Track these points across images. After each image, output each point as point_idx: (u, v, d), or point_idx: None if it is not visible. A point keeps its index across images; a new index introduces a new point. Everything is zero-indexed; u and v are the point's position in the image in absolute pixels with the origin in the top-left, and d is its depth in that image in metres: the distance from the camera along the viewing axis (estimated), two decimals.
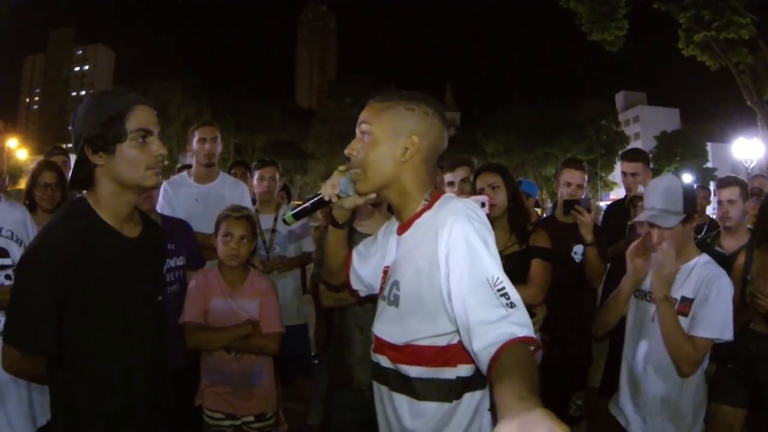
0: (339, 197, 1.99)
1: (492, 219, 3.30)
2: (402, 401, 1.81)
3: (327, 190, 2.00)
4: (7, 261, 2.86)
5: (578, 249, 3.97)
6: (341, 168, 2.00)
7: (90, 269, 1.91)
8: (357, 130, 1.89)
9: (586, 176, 4.34)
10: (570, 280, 3.91)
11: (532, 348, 1.50)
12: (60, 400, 1.98)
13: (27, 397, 2.85)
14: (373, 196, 1.96)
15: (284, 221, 2.14)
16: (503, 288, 1.57)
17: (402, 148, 1.81)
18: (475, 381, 1.75)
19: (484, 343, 1.51)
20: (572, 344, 3.90)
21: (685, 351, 2.68)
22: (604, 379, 3.80)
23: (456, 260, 1.64)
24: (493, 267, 1.60)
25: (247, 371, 3.22)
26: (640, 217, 2.92)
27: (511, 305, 1.55)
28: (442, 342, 1.72)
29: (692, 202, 2.86)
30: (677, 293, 2.82)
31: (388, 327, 1.87)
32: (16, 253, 2.87)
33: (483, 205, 3.05)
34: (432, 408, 1.75)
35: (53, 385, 2.00)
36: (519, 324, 1.52)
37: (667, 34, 23.55)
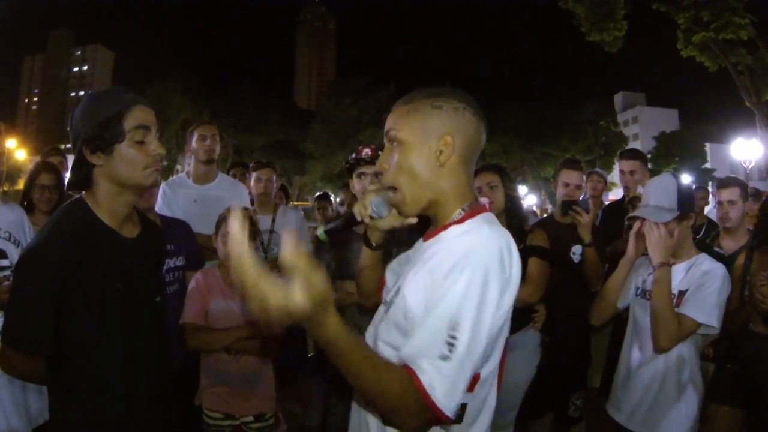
0: (372, 218, 1.86)
1: None
2: (372, 420, 1.65)
3: (359, 211, 1.87)
4: (4, 262, 2.86)
5: (577, 249, 3.98)
6: (372, 188, 1.87)
7: (88, 270, 1.91)
8: (385, 140, 1.71)
9: (584, 177, 4.35)
10: (569, 281, 3.92)
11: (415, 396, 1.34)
12: (59, 400, 1.98)
13: (23, 397, 2.85)
14: (414, 220, 1.77)
15: (317, 238, 2.04)
16: (455, 338, 1.38)
17: (436, 152, 1.62)
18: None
19: (408, 355, 1.41)
20: (571, 345, 3.91)
21: (668, 324, 2.70)
22: (604, 380, 3.80)
23: (442, 282, 1.46)
24: (466, 312, 1.40)
25: (246, 372, 3.23)
26: (635, 212, 2.94)
27: (445, 357, 1.36)
28: None
29: (688, 201, 2.87)
30: (675, 289, 2.83)
31: (371, 330, 1.77)
32: (14, 254, 2.87)
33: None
34: None
35: (52, 386, 2.00)
36: (431, 372, 1.36)
37: (666, 35, 23.57)
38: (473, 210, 1.65)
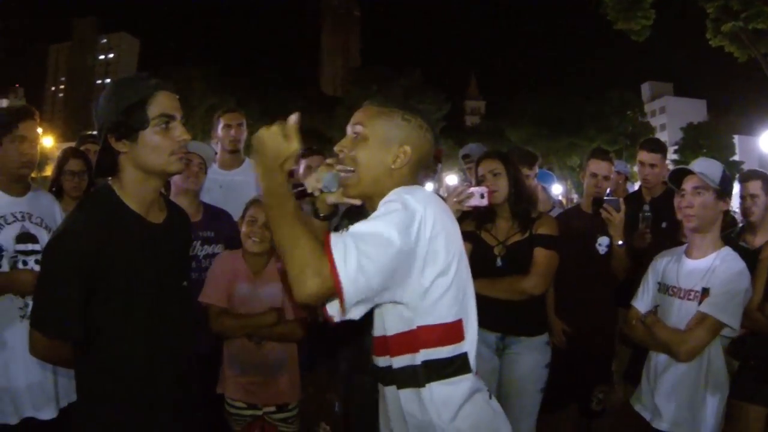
0: (321, 191, 1.98)
1: (494, 206, 3.30)
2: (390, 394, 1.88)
3: (311, 183, 1.99)
4: (36, 247, 2.90)
5: (603, 241, 3.90)
6: (329, 161, 1.98)
7: (115, 255, 1.93)
8: (349, 128, 1.91)
9: (613, 167, 4.27)
10: (593, 272, 3.87)
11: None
12: (85, 384, 2.01)
13: (53, 380, 2.88)
14: (357, 201, 1.96)
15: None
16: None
17: (393, 156, 1.84)
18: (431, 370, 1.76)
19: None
20: (595, 336, 3.85)
21: (683, 340, 2.77)
22: (631, 367, 3.75)
23: None
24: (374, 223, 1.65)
25: (269, 361, 3.21)
26: (689, 167, 2.99)
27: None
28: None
29: (728, 184, 2.93)
30: (698, 285, 2.85)
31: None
32: (45, 239, 2.91)
33: (482, 196, 3.03)
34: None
35: (78, 370, 2.03)
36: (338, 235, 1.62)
37: (695, 24, 23.19)
38: None
